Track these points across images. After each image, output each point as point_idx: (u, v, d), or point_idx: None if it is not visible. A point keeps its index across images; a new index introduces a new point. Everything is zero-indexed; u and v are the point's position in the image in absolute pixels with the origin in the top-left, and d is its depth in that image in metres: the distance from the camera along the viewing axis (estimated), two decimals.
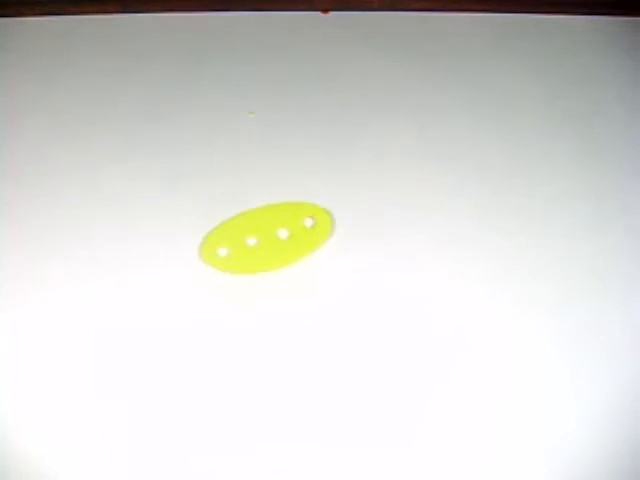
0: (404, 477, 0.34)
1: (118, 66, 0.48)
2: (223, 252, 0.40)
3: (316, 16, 0.50)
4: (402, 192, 0.43)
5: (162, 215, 0.42)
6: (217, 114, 0.46)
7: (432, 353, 0.38)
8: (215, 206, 0.42)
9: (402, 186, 0.43)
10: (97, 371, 0.36)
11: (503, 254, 0.41)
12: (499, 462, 0.35)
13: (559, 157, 0.45)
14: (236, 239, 0.41)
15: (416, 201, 0.43)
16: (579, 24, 0.51)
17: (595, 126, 0.46)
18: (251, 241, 0.41)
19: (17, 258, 0.39)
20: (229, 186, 0.43)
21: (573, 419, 0.36)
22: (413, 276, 0.40)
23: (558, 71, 0.50)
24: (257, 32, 0.50)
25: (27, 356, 0.37)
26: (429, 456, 0.35)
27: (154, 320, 0.38)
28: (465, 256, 0.41)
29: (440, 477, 0.34)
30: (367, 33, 0.49)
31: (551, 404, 0.36)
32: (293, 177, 0.43)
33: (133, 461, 0.34)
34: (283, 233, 0.41)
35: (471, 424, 0.36)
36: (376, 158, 0.45)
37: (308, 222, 0.41)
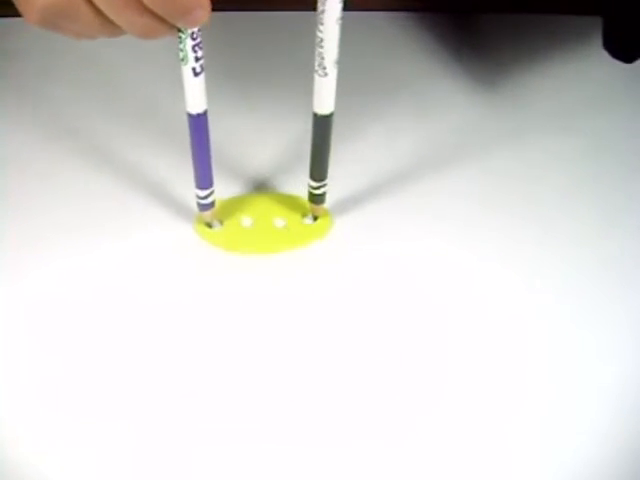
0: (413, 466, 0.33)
1: (119, 65, 0.49)
2: (216, 225, 0.40)
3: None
4: (405, 184, 0.43)
5: (158, 192, 0.42)
6: (217, 111, 0.46)
7: (433, 341, 0.37)
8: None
9: (405, 178, 0.44)
10: (90, 354, 0.35)
11: (507, 243, 0.41)
12: (503, 454, 0.34)
13: (565, 152, 0.46)
14: (231, 216, 0.41)
15: (419, 191, 0.43)
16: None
17: (601, 118, 0.47)
18: (246, 221, 0.41)
19: (15, 240, 0.39)
20: (230, 174, 0.43)
21: (579, 411, 0.35)
22: (417, 267, 0.40)
23: (559, 66, 0.51)
24: (257, 32, 0.51)
25: (22, 344, 0.36)
26: (433, 441, 0.34)
27: (147, 298, 0.37)
28: (469, 243, 0.41)
29: (443, 468, 0.33)
30: (367, 32, 0.51)
31: (556, 398, 0.35)
32: (295, 167, 0.43)
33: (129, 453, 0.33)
34: (280, 222, 0.41)
35: (475, 420, 0.35)
36: (379, 151, 0.45)
37: (307, 220, 0.41)
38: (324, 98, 0.32)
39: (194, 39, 0.29)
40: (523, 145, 0.46)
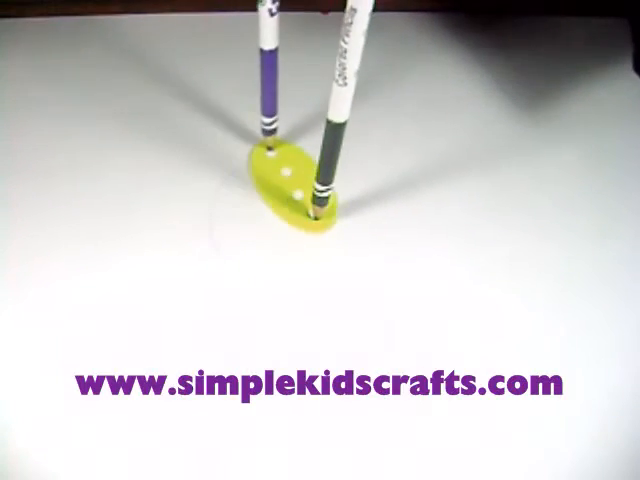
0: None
1: (119, 65, 0.48)
2: (271, 153, 0.44)
3: (316, 16, 0.51)
4: (406, 187, 0.44)
5: (163, 206, 0.42)
6: (218, 111, 0.46)
7: (429, 345, 0.38)
8: (217, 200, 0.42)
9: (407, 181, 0.44)
10: (101, 365, 0.36)
11: (506, 250, 0.41)
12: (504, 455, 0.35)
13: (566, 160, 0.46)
14: (280, 158, 0.45)
15: (420, 197, 0.43)
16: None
17: (602, 129, 0.47)
18: (286, 172, 0.44)
19: (21, 252, 0.39)
20: (234, 179, 0.43)
21: (575, 422, 0.36)
22: (414, 266, 0.40)
23: (580, 73, 0.51)
24: (257, 32, 0.50)
25: (30, 351, 0.36)
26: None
27: (158, 309, 0.38)
28: (466, 249, 0.41)
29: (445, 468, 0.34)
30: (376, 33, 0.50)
31: (554, 405, 0.36)
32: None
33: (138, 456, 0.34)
34: (299, 195, 0.43)
35: (475, 420, 0.36)
36: (382, 152, 0.45)
37: (310, 213, 0.42)
38: (340, 107, 0.32)
39: None
40: (536, 157, 0.46)
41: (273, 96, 0.40)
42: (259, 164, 0.43)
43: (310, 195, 0.41)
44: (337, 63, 0.29)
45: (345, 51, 0.28)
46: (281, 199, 0.42)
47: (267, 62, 0.38)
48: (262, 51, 0.37)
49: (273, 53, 0.37)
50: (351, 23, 0.27)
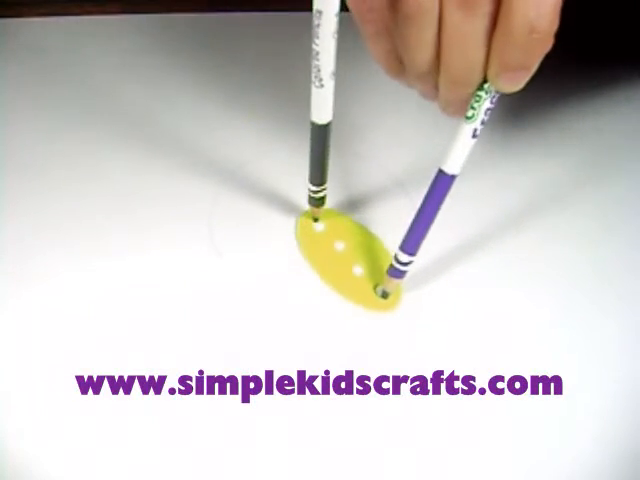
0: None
1: (118, 66, 0.49)
2: (319, 226, 0.41)
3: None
4: (399, 186, 0.44)
5: (163, 205, 0.42)
6: (218, 112, 0.46)
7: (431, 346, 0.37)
8: (219, 197, 0.42)
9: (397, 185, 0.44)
10: (101, 365, 0.36)
11: (506, 251, 0.41)
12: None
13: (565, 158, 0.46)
14: (331, 232, 0.41)
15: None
16: None
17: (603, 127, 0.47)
18: (339, 246, 0.41)
19: (18, 252, 0.39)
20: (233, 181, 0.43)
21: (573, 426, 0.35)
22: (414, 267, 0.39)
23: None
24: (257, 32, 0.51)
25: (28, 350, 0.36)
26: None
27: (158, 310, 0.38)
28: (466, 251, 0.41)
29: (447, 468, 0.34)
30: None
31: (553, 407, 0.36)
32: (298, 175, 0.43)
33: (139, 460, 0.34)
34: (358, 270, 0.40)
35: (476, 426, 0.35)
36: (383, 155, 0.45)
37: (378, 290, 0.39)
38: (321, 108, 0.32)
39: (492, 102, 0.28)
40: (537, 163, 0.46)
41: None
42: (306, 243, 0.40)
43: (372, 271, 0.39)
44: (312, 65, 0.29)
45: (317, 53, 0.28)
46: (337, 277, 0.39)
47: (441, 187, 0.32)
48: (441, 172, 0.31)
49: (454, 178, 0.31)
50: (319, 25, 0.27)
